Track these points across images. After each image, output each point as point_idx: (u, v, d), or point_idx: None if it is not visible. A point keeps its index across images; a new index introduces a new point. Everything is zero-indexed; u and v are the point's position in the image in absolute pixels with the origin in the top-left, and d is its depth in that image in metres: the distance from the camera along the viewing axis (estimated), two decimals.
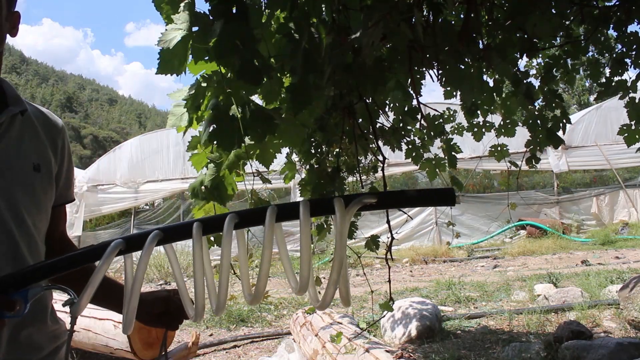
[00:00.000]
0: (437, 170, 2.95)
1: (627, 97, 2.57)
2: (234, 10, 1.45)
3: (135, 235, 0.68)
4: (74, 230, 10.75)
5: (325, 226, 2.70)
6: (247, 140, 1.84)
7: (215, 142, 1.52)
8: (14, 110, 1.00)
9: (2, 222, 0.94)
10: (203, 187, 1.84)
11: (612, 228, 9.86)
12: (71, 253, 0.73)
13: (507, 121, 2.93)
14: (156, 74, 1.47)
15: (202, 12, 1.51)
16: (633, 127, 2.65)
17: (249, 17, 1.47)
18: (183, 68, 1.51)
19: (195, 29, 1.49)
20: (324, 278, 7.46)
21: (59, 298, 1.18)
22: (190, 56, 1.56)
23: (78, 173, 11.91)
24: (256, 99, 2.27)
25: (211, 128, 1.51)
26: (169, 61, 1.48)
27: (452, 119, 3.04)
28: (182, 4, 1.52)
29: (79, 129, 66.43)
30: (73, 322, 0.85)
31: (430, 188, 0.72)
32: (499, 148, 3.02)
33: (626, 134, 2.67)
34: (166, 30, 1.50)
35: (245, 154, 1.72)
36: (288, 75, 1.89)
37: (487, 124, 3.00)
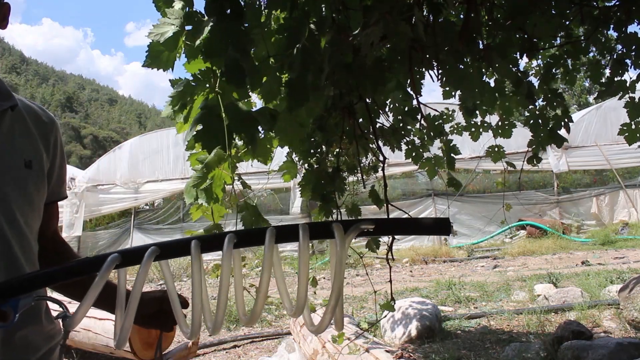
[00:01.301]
0: (436, 169, 2.96)
1: (627, 97, 2.57)
2: (229, 10, 1.43)
3: (132, 249, 0.67)
4: (74, 230, 10.74)
5: None
6: (239, 141, 1.82)
7: (201, 142, 1.50)
8: (4, 105, 0.98)
9: None
10: (194, 190, 1.81)
11: (612, 228, 9.85)
12: (68, 263, 0.71)
13: (505, 122, 2.93)
14: (142, 66, 1.44)
15: (197, 11, 1.49)
16: (633, 126, 2.65)
17: (243, 17, 1.45)
18: (171, 64, 1.49)
19: (188, 27, 1.47)
20: (324, 278, 7.46)
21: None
22: (183, 55, 1.54)
23: (78, 173, 11.93)
24: (255, 98, 2.27)
25: (198, 128, 1.49)
26: (158, 55, 1.46)
27: (451, 118, 3.04)
28: (176, 1, 1.51)
29: (79, 129, 66.40)
30: (65, 337, 0.84)
31: (427, 217, 0.74)
32: (495, 149, 3.02)
33: (627, 133, 2.67)
34: (158, 23, 1.47)
35: (226, 155, 1.70)
36: (287, 75, 1.88)
37: (485, 124, 3.00)
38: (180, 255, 0.68)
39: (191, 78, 1.68)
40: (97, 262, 0.67)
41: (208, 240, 0.68)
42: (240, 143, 1.94)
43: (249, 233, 0.69)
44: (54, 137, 1.09)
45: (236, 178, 2.03)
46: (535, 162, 2.88)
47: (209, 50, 1.41)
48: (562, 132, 2.73)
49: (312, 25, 1.67)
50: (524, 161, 2.92)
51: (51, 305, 1.14)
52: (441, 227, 0.66)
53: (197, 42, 1.43)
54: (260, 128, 1.62)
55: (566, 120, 2.70)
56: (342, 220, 0.67)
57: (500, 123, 2.91)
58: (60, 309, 0.90)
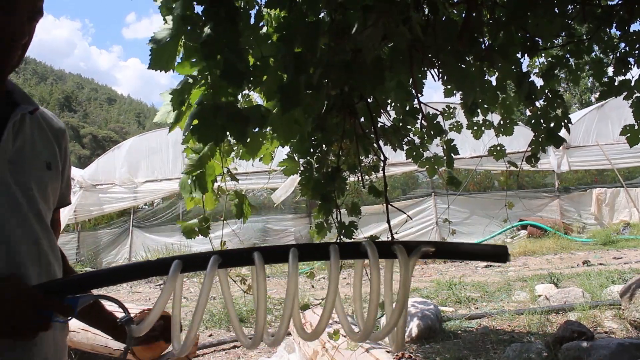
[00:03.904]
0: (436, 167, 2.95)
1: (633, 98, 2.54)
2: (224, 14, 1.52)
3: (194, 255, 0.71)
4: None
5: (325, 225, 2.68)
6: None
7: (197, 136, 1.61)
8: (28, 108, 1.00)
9: (26, 219, 0.94)
10: (189, 180, 1.94)
11: (613, 228, 9.83)
12: (137, 263, 0.76)
13: (507, 120, 2.92)
14: (148, 68, 1.59)
15: (195, 13, 1.58)
16: (636, 127, 2.62)
17: (237, 21, 1.54)
18: (172, 65, 1.62)
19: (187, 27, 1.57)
20: (323, 278, 7.46)
21: None
22: (180, 56, 1.67)
23: (77, 172, 11.88)
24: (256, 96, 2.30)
25: (194, 122, 1.60)
26: (159, 57, 1.59)
27: (451, 116, 3.03)
28: (175, 4, 1.60)
29: (78, 129, 66.30)
30: (130, 342, 0.85)
31: (485, 244, 0.77)
32: (497, 148, 3.01)
33: (629, 134, 2.65)
34: (159, 30, 1.61)
35: (217, 149, 1.85)
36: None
37: (487, 123, 2.99)
38: (200, 269, 0.70)
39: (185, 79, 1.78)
40: (165, 264, 0.70)
41: (230, 256, 0.72)
42: (231, 140, 2.03)
43: (311, 247, 0.75)
44: (64, 143, 1.12)
45: (226, 170, 2.16)
46: (533, 162, 2.87)
47: (206, 52, 1.50)
48: (563, 132, 2.71)
49: (310, 27, 1.68)
50: (522, 160, 2.91)
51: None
52: (499, 254, 0.71)
53: (197, 44, 1.52)
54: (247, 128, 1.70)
55: (565, 121, 2.69)
56: (403, 241, 0.69)
57: (502, 122, 2.90)
58: (123, 312, 0.91)
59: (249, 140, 1.96)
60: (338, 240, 2.62)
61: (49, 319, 0.77)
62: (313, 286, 6.47)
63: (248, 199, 2.28)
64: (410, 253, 0.67)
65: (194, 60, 1.65)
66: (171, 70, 1.66)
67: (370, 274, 0.64)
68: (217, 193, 2.15)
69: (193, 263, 0.70)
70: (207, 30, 1.50)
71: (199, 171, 1.86)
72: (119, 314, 0.90)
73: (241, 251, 0.71)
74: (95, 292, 1.03)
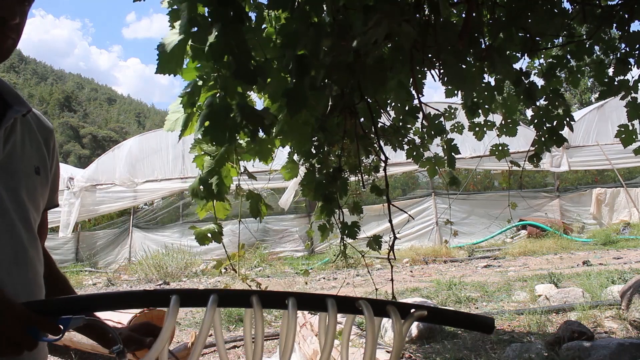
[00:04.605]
0: (437, 168, 2.95)
1: (629, 97, 2.55)
2: (232, 14, 1.52)
3: (191, 292, 0.71)
4: (67, 230, 10.67)
5: (327, 226, 2.68)
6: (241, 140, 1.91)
7: (209, 137, 1.62)
8: (21, 111, 0.97)
9: (12, 226, 0.91)
10: (202, 187, 1.92)
11: (613, 228, 9.83)
12: (131, 292, 0.75)
13: (509, 121, 2.92)
14: (155, 73, 1.58)
15: (202, 14, 1.58)
16: (630, 128, 2.64)
17: (244, 21, 1.55)
18: (180, 68, 1.63)
19: (194, 29, 1.57)
20: (324, 278, 7.44)
21: None
22: (186, 60, 1.68)
23: (77, 172, 11.89)
24: (255, 97, 2.31)
25: (206, 124, 1.60)
26: (167, 62, 1.60)
27: (452, 116, 3.04)
28: (181, 6, 1.59)
29: (78, 129, 66.25)
30: None
31: (474, 314, 0.84)
32: (499, 147, 3.02)
33: (623, 135, 2.67)
34: (167, 35, 1.62)
35: (233, 149, 1.84)
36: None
37: (489, 123, 2.99)
38: (199, 305, 0.70)
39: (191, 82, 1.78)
40: (162, 296, 0.71)
41: (267, 296, 0.73)
42: (242, 142, 2.01)
43: (309, 297, 0.75)
44: (52, 144, 1.09)
45: (242, 170, 2.16)
46: (535, 161, 2.88)
47: (215, 53, 1.50)
48: (566, 131, 2.72)
49: (312, 28, 1.69)
50: (525, 160, 2.91)
51: None
52: (485, 325, 0.78)
53: (206, 46, 1.52)
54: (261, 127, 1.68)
55: (567, 119, 2.69)
56: (396, 302, 0.72)
57: (504, 122, 2.91)
58: (117, 342, 0.91)
59: (259, 144, 1.97)
60: (341, 241, 2.62)
61: (36, 337, 0.75)
62: (307, 283, 6.48)
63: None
64: (403, 315, 0.70)
65: (199, 64, 1.65)
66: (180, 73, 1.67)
67: (366, 336, 0.66)
68: (238, 194, 2.16)
69: (191, 299, 0.71)
70: (214, 31, 1.49)
71: (215, 176, 1.87)
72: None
73: (240, 292, 0.73)
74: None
